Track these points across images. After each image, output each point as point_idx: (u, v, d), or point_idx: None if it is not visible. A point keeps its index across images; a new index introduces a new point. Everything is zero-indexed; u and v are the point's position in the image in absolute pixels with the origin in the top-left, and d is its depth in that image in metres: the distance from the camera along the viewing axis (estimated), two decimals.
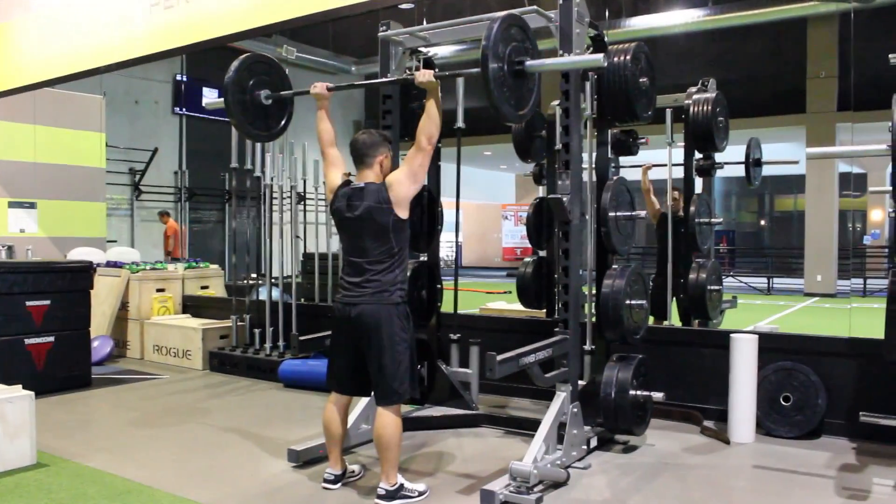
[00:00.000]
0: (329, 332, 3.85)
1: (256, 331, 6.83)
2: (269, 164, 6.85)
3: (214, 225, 15.97)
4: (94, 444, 4.50)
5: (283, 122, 4.48)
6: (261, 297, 7.13)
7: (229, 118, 4.26)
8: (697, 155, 6.09)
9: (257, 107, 4.27)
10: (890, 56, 3.67)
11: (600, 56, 3.63)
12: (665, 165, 6.01)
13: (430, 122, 3.53)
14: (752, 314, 10.93)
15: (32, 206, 10.77)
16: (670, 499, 3.54)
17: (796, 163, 7.45)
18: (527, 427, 4.52)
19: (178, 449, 4.40)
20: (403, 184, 3.51)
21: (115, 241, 12.85)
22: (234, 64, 4.16)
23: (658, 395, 4.32)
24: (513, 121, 3.70)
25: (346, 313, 3.53)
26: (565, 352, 3.96)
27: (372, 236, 3.51)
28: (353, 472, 3.78)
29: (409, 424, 4.60)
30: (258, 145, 6.81)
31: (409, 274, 4.70)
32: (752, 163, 6.41)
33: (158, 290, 7.69)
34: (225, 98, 4.15)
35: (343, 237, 3.66)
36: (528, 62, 3.59)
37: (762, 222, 27.33)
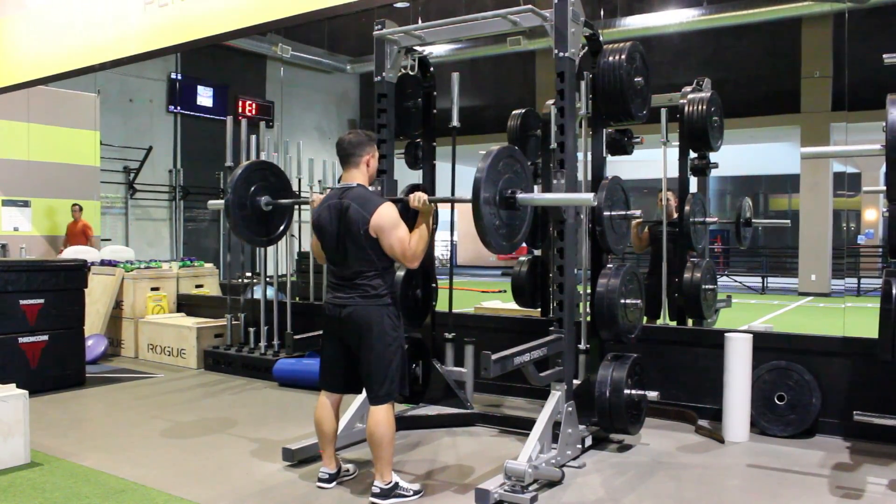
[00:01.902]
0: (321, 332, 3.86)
1: (251, 329, 6.82)
2: None
3: (209, 223, 15.95)
4: (89, 443, 4.49)
5: (282, 227, 4.53)
6: (255, 296, 7.12)
7: (231, 228, 4.32)
8: (692, 154, 6.09)
9: (258, 213, 4.31)
10: (884, 56, 3.67)
11: (590, 196, 3.66)
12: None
13: (416, 243, 3.51)
14: (747, 313, 10.95)
15: (26, 204, 10.75)
16: (665, 498, 3.55)
17: (788, 224, 7.49)
18: (521, 426, 4.52)
19: (172, 448, 4.39)
20: (379, 234, 3.46)
21: (109, 240, 12.84)
22: (236, 174, 4.20)
23: (653, 395, 4.33)
24: (505, 253, 3.74)
25: (336, 313, 3.54)
26: (560, 351, 3.96)
27: (350, 240, 3.49)
28: (348, 470, 3.78)
29: (404, 423, 4.60)
30: (253, 144, 6.78)
31: (403, 273, 4.73)
32: (743, 223, 6.42)
33: (153, 289, 7.67)
34: (226, 213, 4.21)
35: (325, 242, 3.61)
36: (520, 195, 3.61)
37: None
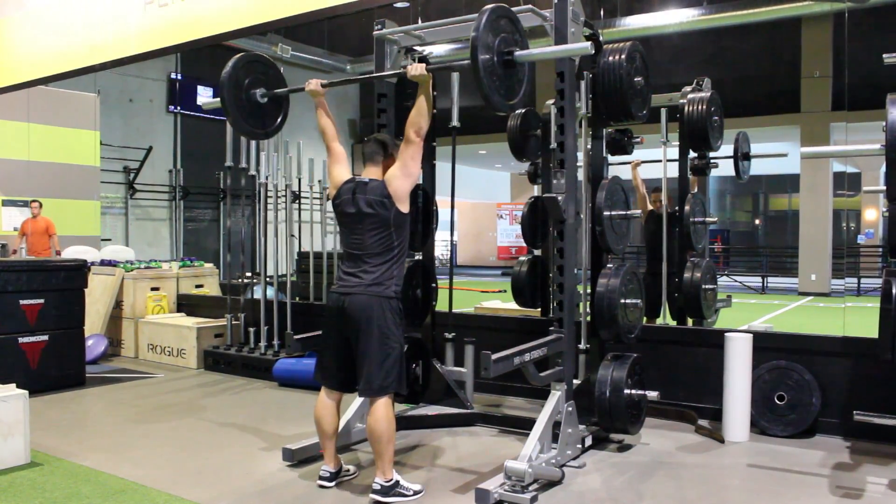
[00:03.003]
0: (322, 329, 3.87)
1: (251, 329, 6.82)
2: (264, 162, 6.85)
3: (209, 223, 15.96)
4: (89, 442, 4.49)
5: (278, 121, 4.49)
6: (255, 296, 7.12)
7: (226, 116, 4.27)
8: (692, 154, 6.09)
9: (253, 105, 4.27)
10: (884, 55, 3.68)
11: (587, 44, 3.65)
12: (659, 161, 6.05)
13: (419, 116, 3.57)
14: (747, 313, 10.95)
15: (27, 204, 10.74)
16: (665, 497, 3.55)
17: (785, 155, 7.46)
18: (522, 426, 4.52)
19: (172, 448, 4.39)
20: (398, 177, 3.57)
21: (109, 240, 12.84)
22: (230, 62, 4.16)
23: (653, 394, 4.33)
24: (503, 110, 3.69)
25: (339, 303, 3.56)
26: (560, 351, 3.96)
27: (373, 230, 3.56)
28: (349, 470, 3.78)
29: (404, 423, 4.60)
30: (253, 143, 6.80)
31: (403, 273, 4.71)
32: (741, 157, 6.42)
33: (153, 289, 7.68)
34: (221, 96, 4.15)
35: (344, 231, 3.70)
36: (518, 52, 3.60)
37: (756, 221, 27.40)
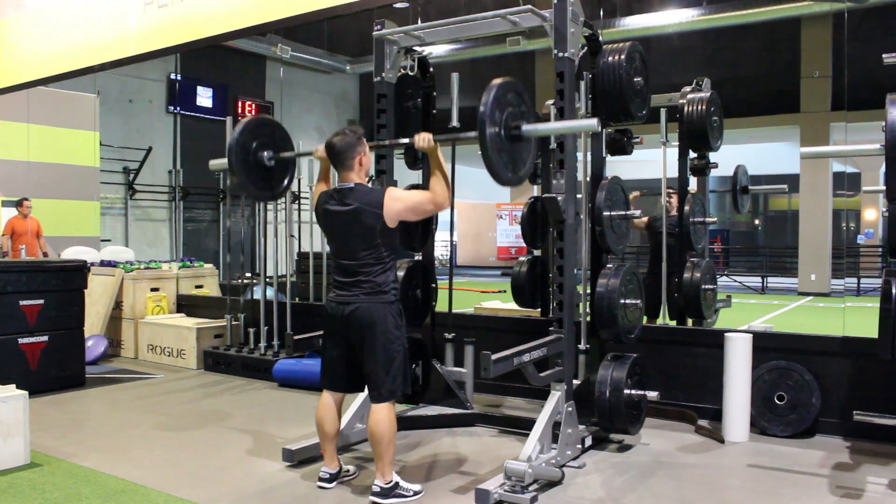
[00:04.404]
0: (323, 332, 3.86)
1: (251, 330, 6.82)
2: None
3: (209, 224, 15.94)
4: (88, 443, 4.48)
5: (286, 182, 4.48)
6: (255, 297, 7.12)
7: (232, 180, 4.29)
8: (692, 154, 6.10)
9: (261, 168, 4.26)
10: (884, 56, 3.68)
11: (594, 121, 3.64)
12: (660, 173, 6.06)
13: (440, 186, 3.54)
14: (747, 313, 10.95)
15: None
16: (665, 498, 3.55)
17: (785, 189, 7.53)
18: (521, 426, 4.52)
19: (172, 448, 4.39)
20: (400, 208, 3.52)
21: (109, 241, 12.83)
22: (238, 127, 4.16)
23: (653, 395, 4.33)
24: (510, 184, 3.74)
25: (339, 311, 3.54)
26: (560, 351, 3.96)
27: (359, 237, 3.51)
28: (349, 471, 3.78)
29: (404, 423, 4.60)
30: None
31: (403, 273, 4.73)
32: (740, 190, 6.44)
33: (153, 290, 7.67)
34: (229, 161, 4.15)
35: (330, 240, 3.66)
36: (525, 126, 3.59)
37: (756, 221, 27.39)
